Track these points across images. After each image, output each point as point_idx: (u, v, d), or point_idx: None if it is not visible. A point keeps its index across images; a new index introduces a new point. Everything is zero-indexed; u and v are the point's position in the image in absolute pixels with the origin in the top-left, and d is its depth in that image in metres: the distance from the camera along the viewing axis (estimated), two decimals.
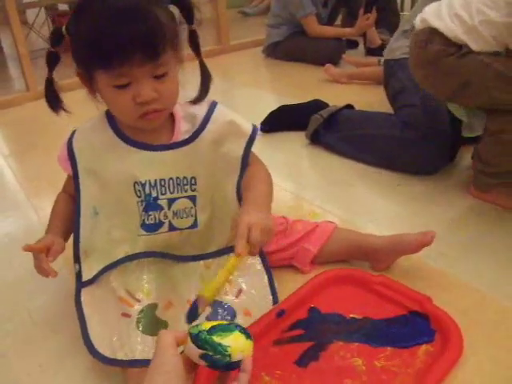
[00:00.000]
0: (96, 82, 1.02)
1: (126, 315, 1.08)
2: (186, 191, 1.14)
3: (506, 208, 1.53)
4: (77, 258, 1.15)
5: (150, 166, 1.11)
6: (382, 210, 1.62)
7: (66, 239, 1.17)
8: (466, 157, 1.84)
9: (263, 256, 1.21)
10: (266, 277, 1.18)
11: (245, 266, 1.18)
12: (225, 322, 0.84)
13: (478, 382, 0.97)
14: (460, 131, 1.74)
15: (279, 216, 1.34)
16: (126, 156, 1.11)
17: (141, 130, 1.10)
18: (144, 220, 1.13)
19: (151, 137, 1.12)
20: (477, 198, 1.60)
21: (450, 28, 1.41)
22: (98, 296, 1.12)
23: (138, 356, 1.01)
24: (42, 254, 1.08)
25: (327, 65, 3.03)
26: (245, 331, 0.82)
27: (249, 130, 1.17)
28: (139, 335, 1.04)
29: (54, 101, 1.10)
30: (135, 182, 1.11)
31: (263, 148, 2.16)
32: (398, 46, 2.08)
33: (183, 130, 1.13)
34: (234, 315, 1.11)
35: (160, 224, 1.14)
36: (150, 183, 1.11)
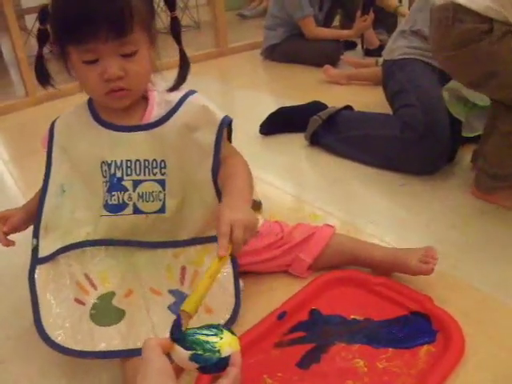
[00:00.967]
0: (69, 58, 1.04)
1: (79, 302, 1.08)
2: (154, 174, 1.12)
3: (510, 209, 1.52)
4: (36, 233, 1.15)
5: (118, 147, 1.12)
6: (383, 211, 1.62)
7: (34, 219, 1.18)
8: (466, 156, 1.84)
9: (233, 257, 1.12)
10: (232, 279, 1.13)
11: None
12: (208, 323, 0.83)
13: (480, 382, 0.97)
14: (459, 130, 1.75)
15: (275, 224, 1.33)
16: (96, 136, 1.13)
17: (114, 112, 1.12)
18: (107, 200, 1.12)
19: (123, 119, 1.13)
20: (479, 198, 1.59)
21: (478, 1, 1.31)
22: (54, 276, 1.12)
23: (89, 347, 1.02)
24: None
25: (326, 66, 3.04)
26: (228, 328, 0.83)
27: (220, 116, 1.14)
28: (92, 327, 1.05)
29: (44, 76, 1.12)
30: (102, 162, 1.12)
31: (263, 150, 2.20)
32: (397, 47, 2.08)
33: (155, 113, 1.13)
34: None
35: (123, 205, 1.12)
36: (115, 163, 1.12)
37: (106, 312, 1.07)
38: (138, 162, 1.12)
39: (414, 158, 1.76)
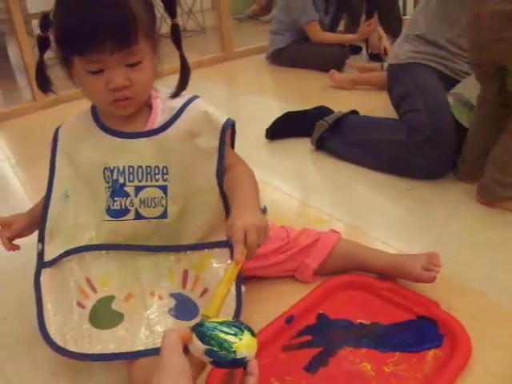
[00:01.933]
0: (74, 67, 1.06)
1: (80, 305, 1.09)
2: (157, 180, 1.13)
3: None
4: (41, 238, 1.17)
5: (120, 153, 1.13)
6: (389, 215, 1.63)
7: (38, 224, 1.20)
8: None
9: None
10: (234, 286, 1.12)
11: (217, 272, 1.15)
12: (230, 320, 0.84)
13: None
14: (465, 134, 1.75)
15: (281, 229, 1.33)
16: (99, 142, 1.14)
17: (118, 119, 1.13)
18: (109, 205, 1.13)
19: (127, 126, 1.14)
20: (484, 204, 1.59)
21: None
22: (57, 280, 1.13)
23: (87, 350, 1.03)
24: (2, 228, 1.20)
25: (332, 71, 3.04)
26: (250, 329, 0.82)
27: (222, 120, 1.15)
28: (90, 329, 1.06)
29: (44, 82, 1.14)
30: (105, 168, 1.13)
31: (268, 155, 2.21)
32: (402, 51, 2.09)
33: (158, 120, 1.14)
34: (196, 313, 1.10)
35: (125, 211, 1.13)
36: (118, 169, 1.13)
37: (104, 315, 1.08)
38: (140, 168, 1.13)
39: (420, 163, 1.77)
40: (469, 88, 1.79)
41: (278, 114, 2.36)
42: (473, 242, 1.42)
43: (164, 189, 1.13)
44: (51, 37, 1.08)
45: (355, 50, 3.74)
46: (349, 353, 1.06)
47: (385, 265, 1.24)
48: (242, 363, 0.79)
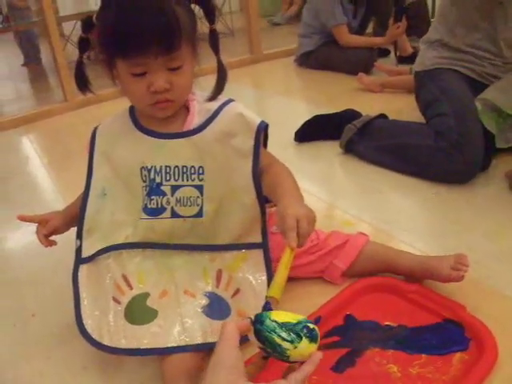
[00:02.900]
0: (116, 69, 1.09)
1: (116, 301, 1.12)
2: (193, 180, 1.16)
3: None
4: (79, 235, 1.20)
5: (158, 153, 1.16)
6: (416, 219, 1.63)
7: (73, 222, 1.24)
8: (499, 165, 1.84)
9: (269, 267, 1.19)
10: (266, 286, 1.15)
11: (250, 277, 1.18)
12: (292, 321, 0.80)
13: None
14: (493, 139, 1.75)
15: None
16: (137, 142, 1.18)
17: (156, 120, 1.17)
18: (146, 204, 1.16)
19: (164, 127, 1.17)
20: None
21: None
22: (95, 275, 1.17)
23: (122, 345, 1.06)
24: (39, 225, 1.24)
25: (360, 74, 3.04)
26: (310, 334, 0.79)
27: (257, 122, 1.18)
28: (125, 324, 1.09)
29: (83, 82, 1.18)
30: (142, 167, 1.16)
31: (297, 157, 2.22)
32: (427, 58, 2.09)
33: (195, 122, 1.17)
34: (228, 313, 1.13)
35: (162, 209, 1.16)
36: (155, 169, 1.16)
37: (139, 311, 1.11)
38: (176, 168, 1.15)
39: (448, 167, 1.77)
40: (496, 93, 1.79)
41: (306, 116, 2.37)
42: (501, 246, 1.42)
43: (200, 188, 1.16)
44: (91, 38, 1.12)
45: (383, 52, 3.73)
46: (375, 354, 1.07)
47: (413, 266, 1.25)
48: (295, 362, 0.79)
